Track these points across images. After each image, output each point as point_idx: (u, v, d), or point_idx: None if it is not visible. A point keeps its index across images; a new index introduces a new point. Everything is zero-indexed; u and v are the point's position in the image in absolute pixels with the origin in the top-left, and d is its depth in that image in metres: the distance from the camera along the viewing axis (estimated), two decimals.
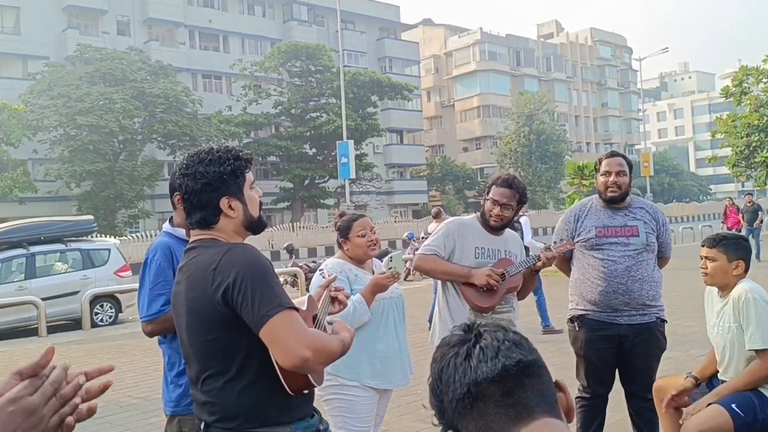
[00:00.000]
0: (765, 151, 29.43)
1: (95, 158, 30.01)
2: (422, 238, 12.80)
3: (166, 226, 2.84)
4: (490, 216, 3.31)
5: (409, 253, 14.36)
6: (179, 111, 32.35)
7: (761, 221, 17.10)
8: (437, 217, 10.33)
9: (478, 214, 3.44)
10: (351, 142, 26.54)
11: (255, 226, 1.94)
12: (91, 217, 12.96)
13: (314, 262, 14.46)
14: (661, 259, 3.70)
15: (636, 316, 3.49)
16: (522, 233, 7.94)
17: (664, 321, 3.60)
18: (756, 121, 29.42)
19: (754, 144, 29.94)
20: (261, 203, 1.98)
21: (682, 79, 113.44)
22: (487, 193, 3.36)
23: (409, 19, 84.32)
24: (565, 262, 3.73)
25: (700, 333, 6.71)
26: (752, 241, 13.35)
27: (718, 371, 3.31)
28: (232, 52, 42.22)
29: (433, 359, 1.04)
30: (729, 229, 16.98)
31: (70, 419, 0.99)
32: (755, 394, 3.04)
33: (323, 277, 2.71)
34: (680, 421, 3.19)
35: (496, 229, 3.36)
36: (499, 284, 3.20)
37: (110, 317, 11.08)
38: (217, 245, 1.84)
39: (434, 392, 1.01)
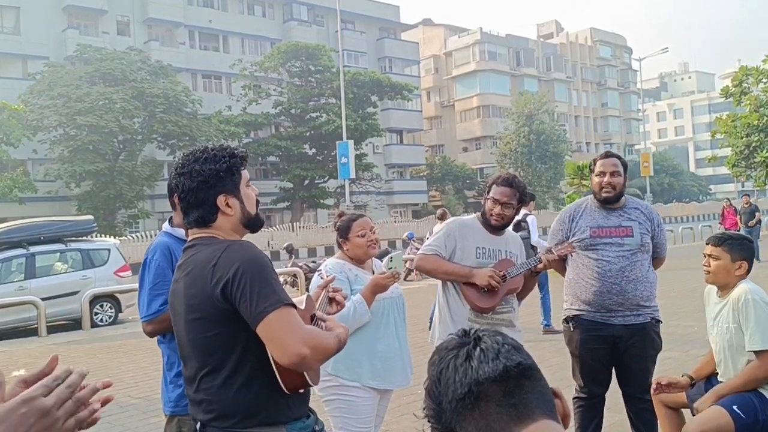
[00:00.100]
0: (765, 151, 29.45)
1: (95, 158, 30.02)
2: (428, 239, 12.78)
3: (166, 226, 2.84)
4: (491, 215, 3.31)
5: (409, 253, 14.37)
6: (179, 111, 32.36)
7: (758, 222, 17.13)
8: (442, 218, 10.29)
9: (479, 214, 3.44)
10: (351, 142, 26.56)
11: (252, 223, 1.95)
12: (90, 217, 12.96)
13: (314, 262, 14.46)
14: (656, 259, 3.70)
15: (630, 316, 3.49)
16: (529, 232, 7.92)
17: (659, 322, 3.60)
18: (756, 121, 29.45)
19: (753, 144, 29.96)
20: (258, 201, 1.98)
21: (682, 79, 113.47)
22: (488, 193, 3.36)
23: (409, 19, 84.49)
24: (560, 262, 3.73)
25: (700, 333, 6.71)
26: None
27: (714, 371, 3.31)
28: (232, 52, 42.24)
29: (430, 363, 1.03)
30: (726, 230, 17.01)
31: (96, 416, 0.99)
32: (756, 396, 3.04)
33: (321, 279, 2.71)
34: (693, 410, 3.18)
35: (497, 229, 3.36)
36: (500, 285, 3.21)
37: (110, 317, 11.08)
38: (216, 242, 1.85)
39: (432, 395, 1.00)
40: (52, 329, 10.22)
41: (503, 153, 49.08)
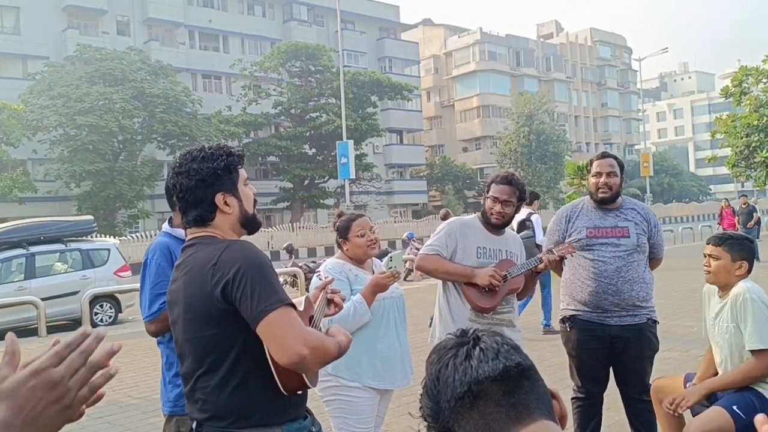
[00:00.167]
0: (765, 151, 29.45)
1: (95, 158, 30.02)
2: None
3: (165, 226, 2.85)
4: (491, 214, 3.31)
5: (408, 254, 14.36)
6: (179, 111, 32.36)
7: (756, 223, 17.09)
8: (445, 219, 10.29)
9: (479, 214, 3.44)
10: (351, 142, 26.56)
11: (250, 222, 1.94)
12: (90, 217, 12.96)
13: (314, 262, 14.45)
14: (653, 260, 3.70)
15: (626, 317, 3.49)
16: (533, 231, 7.92)
17: (655, 322, 3.60)
18: (756, 121, 29.45)
19: (753, 144, 29.97)
20: (255, 201, 1.98)
21: (682, 79, 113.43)
22: (487, 192, 3.36)
23: (408, 19, 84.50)
24: (559, 262, 3.74)
25: (700, 333, 6.70)
26: None
27: (716, 373, 3.30)
28: (231, 52, 42.23)
29: (428, 362, 1.03)
30: (725, 230, 16.98)
31: (102, 391, 0.91)
32: (756, 396, 3.04)
33: (320, 280, 2.71)
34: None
35: (497, 227, 3.36)
36: (501, 285, 3.21)
37: (110, 317, 11.08)
38: (215, 242, 1.84)
39: (430, 393, 0.99)
40: (52, 329, 10.22)
41: (503, 153, 49.08)
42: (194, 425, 1.87)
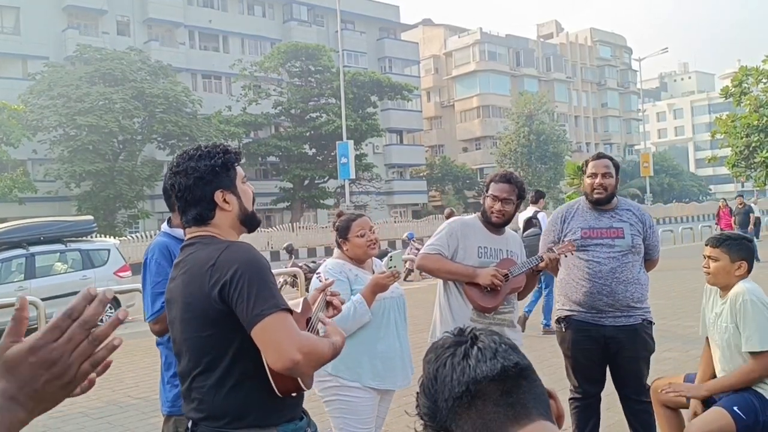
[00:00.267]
0: (765, 152, 29.44)
1: (95, 158, 30.01)
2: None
3: (164, 226, 2.85)
4: (492, 212, 3.32)
5: (408, 254, 14.36)
6: (179, 111, 32.35)
7: (754, 224, 17.02)
8: (449, 218, 10.31)
9: (479, 213, 3.44)
10: (351, 143, 26.57)
11: (250, 220, 1.94)
12: (90, 217, 12.95)
13: (314, 262, 14.44)
14: (648, 261, 3.70)
15: (621, 317, 3.49)
16: (541, 228, 7.94)
17: (651, 323, 3.60)
18: (756, 122, 29.44)
19: (753, 144, 29.95)
20: (254, 198, 1.98)
21: (682, 79, 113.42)
22: (487, 191, 3.37)
23: (408, 19, 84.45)
24: (557, 261, 3.75)
25: (699, 333, 6.70)
26: None
27: (716, 374, 3.30)
28: (231, 52, 42.23)
29: (426, 361, 1.02)
30: (722, 230, 16.95)
31: (110, 359, 0.86)
32: (756, 397, 3.04)
33: (320, 281, 2.70)
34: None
35: (498, 226, 3.36)
36: (503, 284, 3.21)
37: (110, 317, 11.05)
38: (215, 242, 1.84)
39: (427, 393, 0.99)
40: None
41: (503, 153, 49.07)
42: (190, 424, 1.87)
